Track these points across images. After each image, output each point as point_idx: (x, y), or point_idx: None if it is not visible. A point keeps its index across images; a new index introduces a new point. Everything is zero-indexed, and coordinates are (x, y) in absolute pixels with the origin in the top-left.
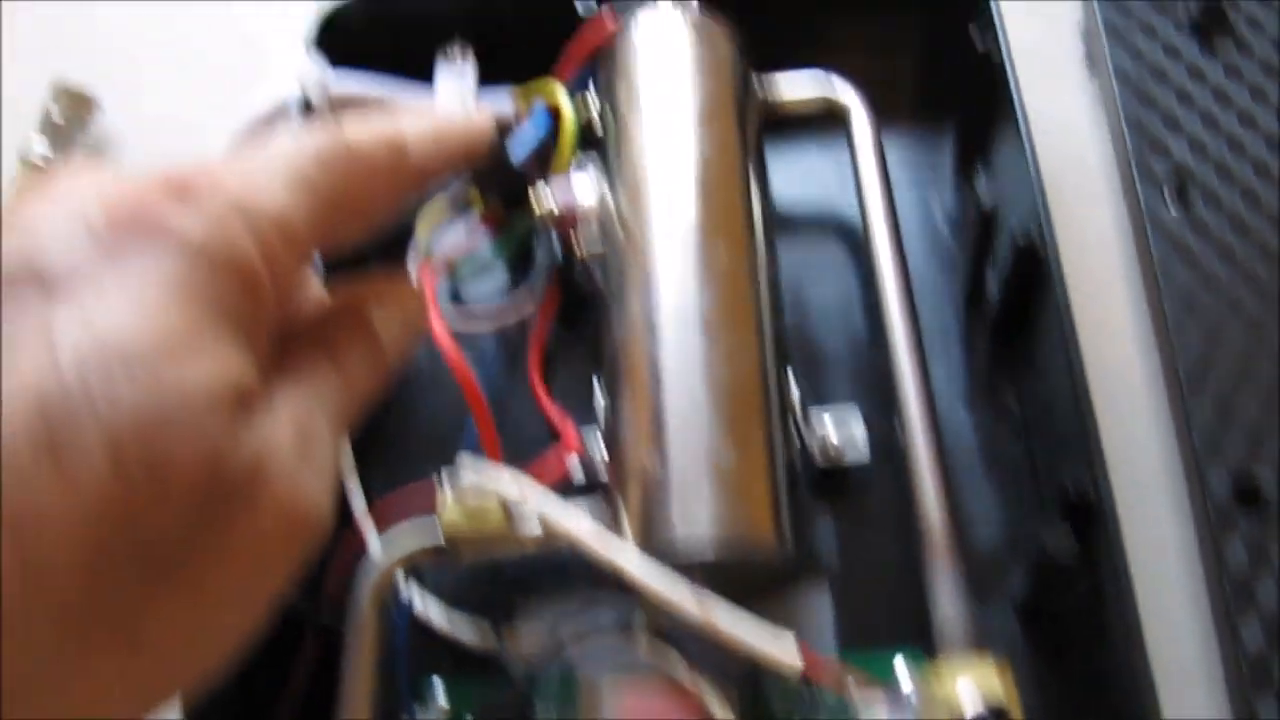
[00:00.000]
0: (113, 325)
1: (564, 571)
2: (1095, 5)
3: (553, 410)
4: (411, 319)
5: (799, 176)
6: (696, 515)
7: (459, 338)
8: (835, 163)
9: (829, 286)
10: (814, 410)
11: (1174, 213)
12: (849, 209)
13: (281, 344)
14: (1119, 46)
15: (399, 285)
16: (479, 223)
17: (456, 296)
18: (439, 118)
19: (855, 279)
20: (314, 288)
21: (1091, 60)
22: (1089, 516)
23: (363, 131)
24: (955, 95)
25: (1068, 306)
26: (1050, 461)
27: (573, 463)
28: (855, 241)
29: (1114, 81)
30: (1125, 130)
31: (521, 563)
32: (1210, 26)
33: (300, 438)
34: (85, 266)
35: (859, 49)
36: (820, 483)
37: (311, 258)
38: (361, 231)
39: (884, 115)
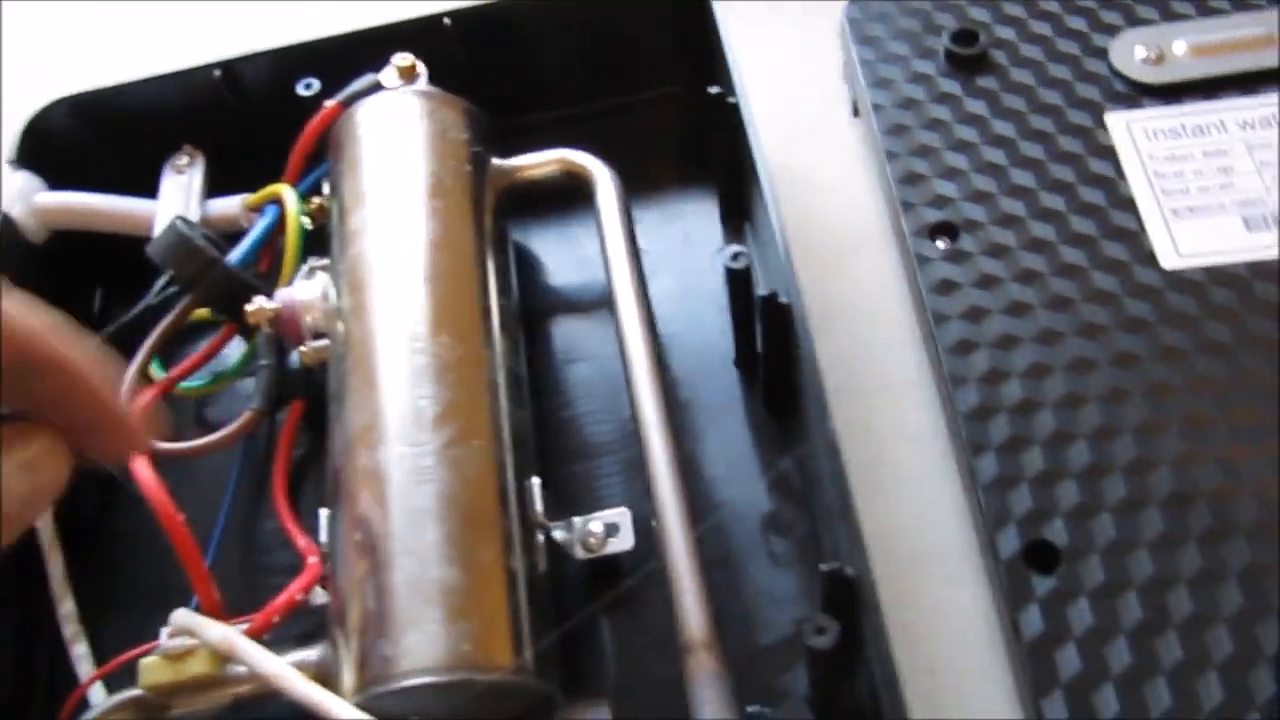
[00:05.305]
0: None
1: None
2: (852, 45)
3: (298, 536)
4: (47, 475)
5: (573, 258)
6: (417, 649)
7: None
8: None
9: (593, 369)
10: (583, 519)
11: (941, 250)
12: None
13: None
14: (876, 85)
15: (28, 435)
16: (222, 335)
17: (201, 417)
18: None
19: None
20: None
21: (856, 104)
22: (852, 597)
23: None
24: (716, 157)
25: (813, 358)
26: (827, 538)
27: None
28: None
29: (873, 119)
30: (888, 168)
31: None
32: (965, 56)
33: None
34: None
35: (617, 124)
36: (593, 582)
37: None
38: None
39: (650, 184)
